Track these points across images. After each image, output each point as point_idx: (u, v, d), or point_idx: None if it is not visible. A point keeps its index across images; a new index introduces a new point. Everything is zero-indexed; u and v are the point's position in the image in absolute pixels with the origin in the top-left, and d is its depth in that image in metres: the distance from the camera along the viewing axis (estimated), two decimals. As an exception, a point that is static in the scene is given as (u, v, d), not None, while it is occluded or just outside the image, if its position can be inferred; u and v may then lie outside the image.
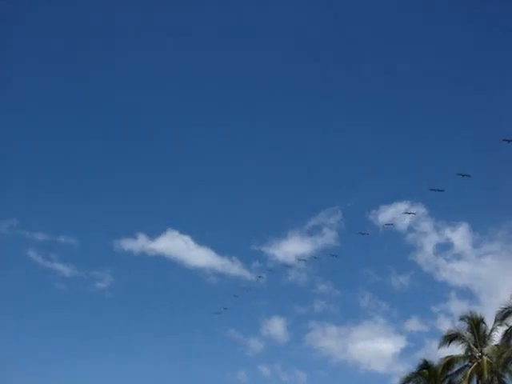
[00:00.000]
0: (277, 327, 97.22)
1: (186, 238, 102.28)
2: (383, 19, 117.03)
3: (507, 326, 48.39)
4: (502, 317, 48.53)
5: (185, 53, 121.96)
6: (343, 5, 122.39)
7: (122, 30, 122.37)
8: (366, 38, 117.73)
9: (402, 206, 72.52)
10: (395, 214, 76.72)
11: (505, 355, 46.58)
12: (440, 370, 49.57)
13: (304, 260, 79.56)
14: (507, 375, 47.65)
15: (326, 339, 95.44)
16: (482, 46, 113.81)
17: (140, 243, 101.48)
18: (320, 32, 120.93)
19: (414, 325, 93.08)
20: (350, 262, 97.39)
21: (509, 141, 39.12)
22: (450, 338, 50.60)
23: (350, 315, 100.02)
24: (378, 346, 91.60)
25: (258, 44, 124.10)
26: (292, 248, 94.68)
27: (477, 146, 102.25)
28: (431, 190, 46.55)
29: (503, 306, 48.42)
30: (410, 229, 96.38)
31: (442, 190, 46.52)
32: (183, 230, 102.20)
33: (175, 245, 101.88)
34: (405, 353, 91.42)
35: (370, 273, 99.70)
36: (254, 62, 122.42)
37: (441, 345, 50.71)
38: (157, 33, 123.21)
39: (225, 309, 76.57)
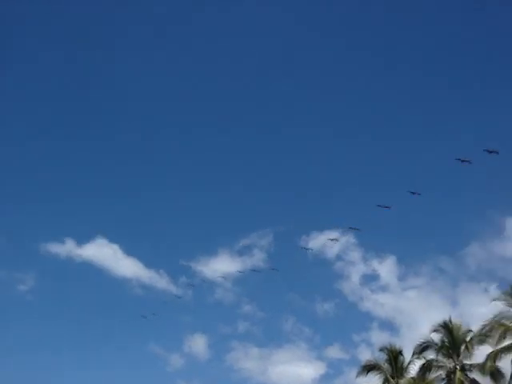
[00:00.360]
0: (199, 344, 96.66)
1: (115, 246, 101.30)
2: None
3: (424, 359, 49.38)
4: (419, 350, 49.51)
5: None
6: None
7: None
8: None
9: (332, 235, 73.17)
10: (326, 241, 77.24)
11: (419, 388, 47.40)
12: (356, 399, 49.91)
13: (241, 272, 78.88)
14: (420, 408, 48.47)
15: (247, 360, 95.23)
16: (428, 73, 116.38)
17: (67, 248, 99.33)
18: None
19: (334, 352, 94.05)
20: (276, 285, 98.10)
21: (463, 161, 39.42)
22: (369, 367, 51.05)
23: (272, 338, 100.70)
24: (297, 371, 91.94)
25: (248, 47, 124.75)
26: (221, 266, 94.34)
27: (429, 165, 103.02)
28: (378, 206, 46.47)
29: (422, 340, 49.46)
30: (339, 257, 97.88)
31: (389, 207, 46.51)
32: (113, 239, 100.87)
33: (103, 253, 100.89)
34: (324, 379, 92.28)
35: (295, 297, 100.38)
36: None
37: (359, 374, 50.99)
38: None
39: (153, 314, 75.70)
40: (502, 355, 44.90)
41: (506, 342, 44.92)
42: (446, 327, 48.47)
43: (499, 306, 46.39)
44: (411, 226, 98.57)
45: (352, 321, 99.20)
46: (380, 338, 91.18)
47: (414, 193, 44.00)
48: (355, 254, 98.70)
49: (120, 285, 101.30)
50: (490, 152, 37.91)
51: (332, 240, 58.42)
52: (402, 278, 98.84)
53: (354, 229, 52.01)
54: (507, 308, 45.84)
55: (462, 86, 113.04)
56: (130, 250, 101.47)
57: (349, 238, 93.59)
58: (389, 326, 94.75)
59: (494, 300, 47.41)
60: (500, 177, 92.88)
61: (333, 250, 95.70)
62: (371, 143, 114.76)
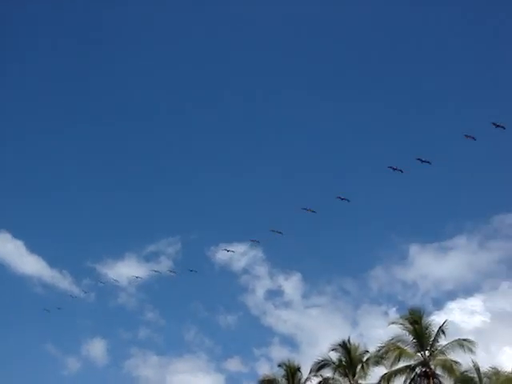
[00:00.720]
0: (97, 349, 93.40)
1: (19, 242, 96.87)
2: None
3: (321, 377, 49.99)
4: (317, 368, 50.09)
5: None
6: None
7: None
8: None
9: (241, 248, 72.78)
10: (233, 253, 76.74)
11: (314, 405, 47.90)
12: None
13: (157, 272, 76.25)
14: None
15: (146, 368, 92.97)
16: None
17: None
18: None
19: (234, 365, 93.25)
20: (180, 294, 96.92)
21: (394, 169, 39.71)
22: (266, 382, 51.24)
23: (173, 347, 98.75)
24: (196, 381, 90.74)
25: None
26: (127, 270, 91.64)
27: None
28: (303, 209, 45.46)
29: (320, 358, 50.12)
30: (245, 271, 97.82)
31: (314, 211, 45.47)
32: (17, 235, 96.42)
33: (5, 248, 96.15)
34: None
35: (199, 308, 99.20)
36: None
37: (256, 388, 51.11)
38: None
39: (59, 308, 72.68)
40: (396, 377, 46.12)
41: (400, 365, 46.22)
42: (345, 347, 49.31)
43: (396, 330, 47.75)
44: (320, 244, 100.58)
45: (254, 334, 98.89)
46: (280, 353, 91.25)
47: (342, 198, 43.53)
48: (262, 269, 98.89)
49: (20, 282, 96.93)
50: (423, 161, 38.60)
51: (253, 241, 56.61)
52: (305, 295, 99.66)
53: (277, 232, 49.94)
54: (403, 332, 47.17)
55: (398, 92, 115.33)
56: (34, 248, 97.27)
57: (257, 253, 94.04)
58: (289, 342, 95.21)
59: (391, 323, 48.76)
60: (412, 205, 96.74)
61: (240, 263, 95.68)
62: (297, 146, 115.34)
